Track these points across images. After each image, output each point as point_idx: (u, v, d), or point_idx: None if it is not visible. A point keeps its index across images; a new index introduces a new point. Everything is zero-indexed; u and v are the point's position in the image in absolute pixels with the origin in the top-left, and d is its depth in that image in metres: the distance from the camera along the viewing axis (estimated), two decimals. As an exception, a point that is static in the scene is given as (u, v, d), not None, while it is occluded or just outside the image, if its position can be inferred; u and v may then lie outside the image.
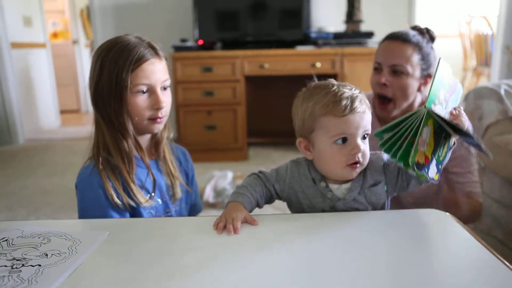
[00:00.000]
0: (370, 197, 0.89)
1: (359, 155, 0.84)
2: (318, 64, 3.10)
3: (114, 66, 0.94)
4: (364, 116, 0.84)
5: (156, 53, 0.99)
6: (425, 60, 1.28)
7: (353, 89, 0.87)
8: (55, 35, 6.12)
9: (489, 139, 1.78)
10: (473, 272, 0.64)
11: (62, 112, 5.34)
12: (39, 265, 0.67)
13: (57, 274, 0.64)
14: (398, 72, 1.25)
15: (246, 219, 0.82)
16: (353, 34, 3.20)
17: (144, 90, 0.96)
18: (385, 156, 0.90)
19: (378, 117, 1.36)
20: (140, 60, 0.94)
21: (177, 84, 3.12)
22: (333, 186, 0.90)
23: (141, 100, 0.96)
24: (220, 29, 3.40)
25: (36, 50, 4.59)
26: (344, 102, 0.83)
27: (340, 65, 3.08)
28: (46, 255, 0.70)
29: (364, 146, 0.85)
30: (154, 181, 1.02)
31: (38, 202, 2.55)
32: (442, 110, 0.80)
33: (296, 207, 0.94)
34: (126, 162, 0.97)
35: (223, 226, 0.79)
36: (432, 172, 0.77)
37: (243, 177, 2.54)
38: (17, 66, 4.18)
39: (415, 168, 0.73)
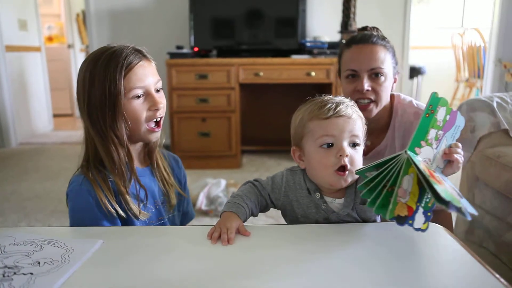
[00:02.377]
0: (361, 214, 0.90)
1: (346, 159, 0.84)
2: (313, 73, 3.12)
3: (105, 75, 0.92)
4: (350, 121, 0.86)
5: (143, 55, 0.98)
6: (394, 59, 1.27)
7: (344, 99, 0.90)
8: (50, 39, 6.10)
9: (481, 151, 1.80)
10: (465, 286, 0.65)
11: (56, 116, 5.31)
12: (31, 274, 0.66)
13: (50, 283, 0.64)
14: (378, 75, 1.22)
15: (239, 229, 0.83)
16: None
17: (140, 94, 0.95)
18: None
19: None
20: (130, 64, 0.93)
21: (172, 91, 3.12)
22: (328, 199, 0.90)
23: (138, 104, 0.95)
24: (215, 37, 3.41)
25: (31, 54, 4.57)
26: (328, 106, 0.86)
27: (335, 74, 3.10)
28: (39, 263, 0.70)
29: (353, 152, 0.85)
30: (145, 190, 1.01)
31: (29, 207, 2.53)
32: (431, 150, 0.76)
33: (290, 216, 0.95)
34: (119, 173, 0.96)
35: (218, 236, 0.79)
36: (419, 222, 0.71)
37: (236, 185, 2.55)
38: (11, 69, 4.16)
39: (396, 222, 0.69)
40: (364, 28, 1.34)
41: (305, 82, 3.14)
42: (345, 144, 0.85)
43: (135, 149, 1.03)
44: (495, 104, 1.86)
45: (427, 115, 0.76)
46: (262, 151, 3.69)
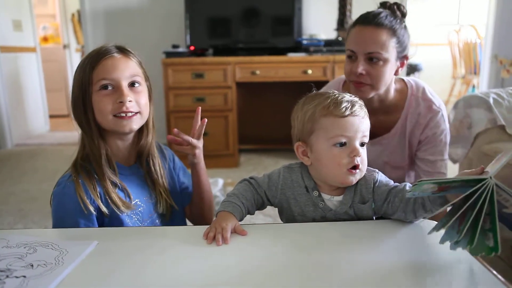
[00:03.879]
0: (358, 212, 0.89)
1: (358, 159, 0.84)
2: (310, 71, 3.11)
3: (80, 69, 0.96)
4: (363, 121, 0.86)
5: (121, 50, 0.98)
6: (401, 43, 1.22)
7: (353, 96, 0.89)
8: (45, 39, 6.07)
9: (478, 147, 1.80)
10: (462, 283, 0.64)
11: (52, 117, 5.29)
12: (24, 277, 0.65)
13: (43, 285, 0.63)
14: (374, 59, 1.19)
15: (236, 229, 0.82)
16: (344, 42, 3.22)
17: (108, 86, 0.94)
18: (379, 177, 0.89)
19: None
20: (100, 55, 0.95)
21: (168, 90, 3.10)
22: (326, 196, 0.90)
23: (104, 96, 0.94)
24: (211, 36, 3.40)
25: (26, 54, 4.55)
26: (344, 104, 0.85)
27: (331, 72, 3.09)
28: (32, 265, 0.69)
29: (363, 152, 0.85)
30: (125, 187, 1.00)
31: (25, 209, 2.51)
32: None
33: (287, 214, 0.94)
34: (99, 166, 0.96)
35: (213, 236, 0.79)
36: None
37: (233, 184, 2.53)
38: (6, 70, 4.14)
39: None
40: (384, 4, 1.28)
41: (302, 80, 3.14)
42: (357, 144, 0.85)
43: (116, 144, 1.02)
44: (491, 100, 1.86)
45: None
46: (259, 150, 3.68)
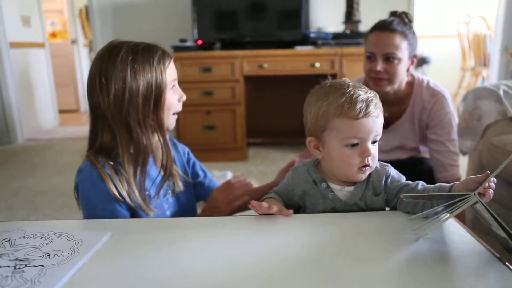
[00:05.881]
0: (370, 204, 0.90)
1: (369, 158, 0.85)
2: (317, 64, 3.11)
3: (150, 69, 0.97)
4: (377, 120, 0.85)
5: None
6: (411, 44, 1.45)
7: (368, 92, 0.87)
8: (53, 34, 6.10)
9: (487, 139, 1.79)
10: (474, 272, 0.65)
11: (61, 111, 5.33)
12: (42, 266, 0.67)
13: (60, 274, 0.65)
14: (390, 59, 1.42)
15: (281, 210, 0.86)
16: (352, 34, 3.21)
17: (173, 85, 1.02)
18: (391, 171, 0.90)
19: None
20: (169, 57, 1.02)
21: (176, 84, 3.12)
22: (335, 187, 0.91)
23: (172, 94, 1.02)
24: (219, 29, 3.40)
25: (35, 50, 4.58)
26: (359, 105, 0.82)
27: (339, 65, 3.09)
28: (49, 255, 0.71)
29: (374, 149, 0.86)
30: (161, 179, 1.04)
31: (37, 202, 2.55)
32: None
33: (304, 211, 0.96)
34: (143, 161, 0.98)
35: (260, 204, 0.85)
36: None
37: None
38: (16, 66, 4.17)
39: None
40: (394, 13, 1.51)
41: (310, 74, 3.13)
42: (369, 144, 0.85)
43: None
44: (501, 92, 1.85)
45: None
46: (267, 143, 3.68)
